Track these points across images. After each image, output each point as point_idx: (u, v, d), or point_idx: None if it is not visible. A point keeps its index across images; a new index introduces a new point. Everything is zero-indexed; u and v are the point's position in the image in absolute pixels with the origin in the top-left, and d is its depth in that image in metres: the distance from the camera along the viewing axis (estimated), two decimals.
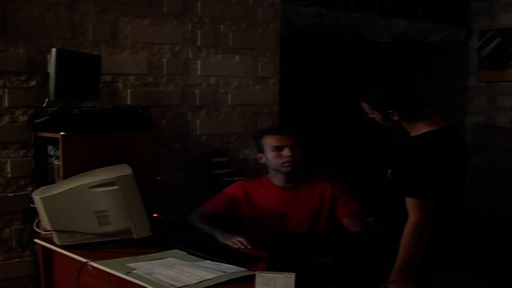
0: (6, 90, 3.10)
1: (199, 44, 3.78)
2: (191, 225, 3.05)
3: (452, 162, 2.48)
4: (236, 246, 2.75)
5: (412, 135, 2.53)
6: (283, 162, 2.96)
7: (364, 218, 3.07)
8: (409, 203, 2.40)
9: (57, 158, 2.90)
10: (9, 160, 3.13)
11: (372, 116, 2.57)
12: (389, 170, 2.62)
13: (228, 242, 2.79)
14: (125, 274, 2.31)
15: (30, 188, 3.09)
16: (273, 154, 2.98)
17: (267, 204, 3.00)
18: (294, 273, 2.04)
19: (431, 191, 2.40)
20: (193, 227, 3.03)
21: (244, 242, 2.76)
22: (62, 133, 2.84)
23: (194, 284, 2.16)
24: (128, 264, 2.41)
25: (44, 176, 3.03)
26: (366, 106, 2.56)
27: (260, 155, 3.08)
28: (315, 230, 2.95)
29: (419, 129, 2.50)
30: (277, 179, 3.04)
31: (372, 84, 2.59)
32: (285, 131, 3.10)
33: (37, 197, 2.70)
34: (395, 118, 2.50)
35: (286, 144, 2.98)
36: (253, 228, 2.97)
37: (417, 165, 2.43)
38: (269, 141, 3.02)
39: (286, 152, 2.96)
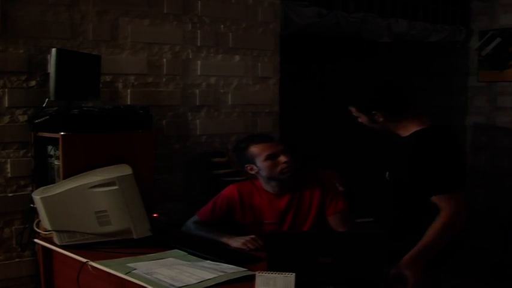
0: (6, 90, 3.10)
1: (199, 44, 3.78)
2: (192, 235, 2.92)
3: (452, 156, 2.49)
4: (254, 247, 2.67)
5: (402, 136, 2.54)
6: (281, 170, 2.83)
7: (351, 217, 3.00)
8: (440, 200, 2.39)
9: (57, 158, 2.90)
10: (9, 160, 3.13)
11: (360, 120, 2.60)
12: (387, 173, 2.63)
13: (242, 246, 2.69)
14: (125, 274, 2.31)
15: (30, 188, 3.09)
16: (268, 163, 2.83)
17: (261, 212, 2.92)
18: (294, 273, 2.04)
19: (456, 181, 2.41)
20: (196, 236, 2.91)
21: (259, 241, 2.68)
22: (62, 133, 2.84)
23: (194, 284, 2.16)
24: (128, 264, 2.41)
25: (44, 176, 3.03)
26: (352, 109, 2.60)
27: (249, 166, 2.90)
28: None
29: (409, 129, 2.52)
30: (270, 187, 2.92)
31: (356, 87, 2.63)
32: (271, 137, 2.98)
33: (37, 197, 2.70)
34: (380, 119, 2.53)
35: (279, 150, 2.85)
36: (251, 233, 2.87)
37: (429, 163, 2.42)
38: (259, 150, 2.85)
39: (282, 159, 2.83)
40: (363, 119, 2.58)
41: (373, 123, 2.56)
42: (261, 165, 2.86)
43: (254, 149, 2.88)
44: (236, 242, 2.73)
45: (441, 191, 2.40)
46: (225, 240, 2.78)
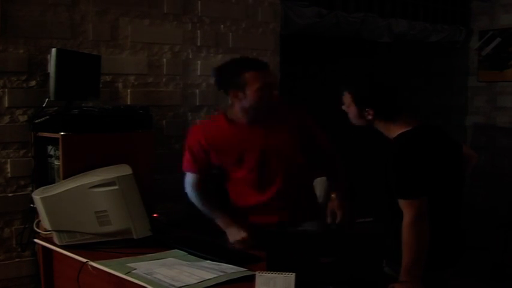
0: (6, 90, 3.10)
1: (199, 44, 3.78)
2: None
3: (433, 157, 2.50)
4: (242, 247, 2.71)
5: (390, 138, 2.56)
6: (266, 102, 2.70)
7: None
8: (401, 204, 2.42)
9: (57, 158, 2.90)
10: (9, 160, 3.13)
11: (348, 110, 2.59)
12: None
13: (235, 244, 2.75)
14: (125, 274, 2.31)
15: (30, 188, 3.09)
16: (259, 94, 2.66)
17: (237, 141, 2.81)
18: (294, 273, 2.04)
19: (417, 189, 2.41)
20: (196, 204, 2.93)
21: (249, 241, 2.72)
22: (62, 133, 2.85)
23: (194, 284, 2.16)
24: (128, 264, 2.41)
25: (44, 176, 3.03)
26: (347, 97, 2.57)
27: (235, 92, 2.68)
28: (294, 161, 2.83)
29: (395, 131, 2.54)
30: (246, 116, 2.77)
31: (357, 78, 2.63)
32: (265, 63, 2.74)
33: (37, 197, 2.70)
34: (369, 117, 2.54)
35: (271, 81, 2.73)
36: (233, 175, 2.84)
37: (397, 166, 2.45)
38: (254, 78, 2.66)
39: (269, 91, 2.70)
40: (351, 111, 2.57)
41: (360, 118, 2.56)
42: (249, 94, 2.70)
43: (249, 76, 2.67)
44: (230, 237, 2.78)
45: (402, 196, 2.41)
46: (221, 224, 2.82)
